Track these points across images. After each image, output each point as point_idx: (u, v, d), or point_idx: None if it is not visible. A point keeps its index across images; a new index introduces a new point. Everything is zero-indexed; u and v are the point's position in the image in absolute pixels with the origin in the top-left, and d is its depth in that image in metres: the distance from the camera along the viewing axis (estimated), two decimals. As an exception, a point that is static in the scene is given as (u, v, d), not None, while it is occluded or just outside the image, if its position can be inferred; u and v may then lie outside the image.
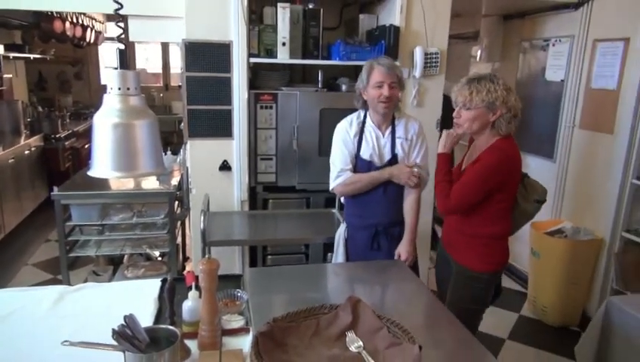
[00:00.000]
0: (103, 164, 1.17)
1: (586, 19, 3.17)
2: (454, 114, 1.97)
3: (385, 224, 2.23)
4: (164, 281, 1.70)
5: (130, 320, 1.16)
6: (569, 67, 3.32)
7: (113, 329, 1.14)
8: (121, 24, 1.27)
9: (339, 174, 2.18)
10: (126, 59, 1.22)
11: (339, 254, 2.31)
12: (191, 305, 1.40)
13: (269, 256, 3.18)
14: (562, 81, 3.38)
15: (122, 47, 1.20)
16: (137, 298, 1.67)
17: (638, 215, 2.98)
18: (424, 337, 1.40)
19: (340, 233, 2.31)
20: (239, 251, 3.08)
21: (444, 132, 2.08)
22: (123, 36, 1.28)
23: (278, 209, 3.13)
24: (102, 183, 2.95)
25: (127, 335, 1.14)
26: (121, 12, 1.22)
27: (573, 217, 3.34)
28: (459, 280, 2.06)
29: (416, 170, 2.13)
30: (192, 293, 1.41)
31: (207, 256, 1.34)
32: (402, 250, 2.20)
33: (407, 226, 2.23)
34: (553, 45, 3.47)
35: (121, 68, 1.18)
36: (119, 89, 1.17)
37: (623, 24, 2.90)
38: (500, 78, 1.92)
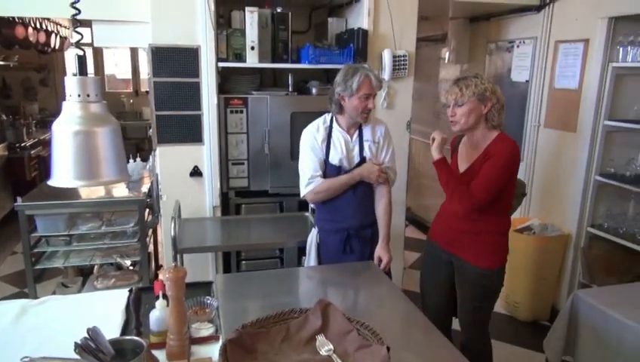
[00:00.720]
0: (63, 173, 1.15)
1: (547, 21, 3.26)
2: (449, 113, 2.03)
3: (356, 227, 2.23)
4: (131, 291, 1.67)
5: (93, 332, 1.14)
6: (533, 68, 3.41)
7: (76, 343, 1.11)
8: (80, 30, 1.24)
9: (309, 181, 2.16)
10: (85, 65, 1.19)
11: (311, 259, 2.30)
12: (158, 314, 1.38)
13: (243, 262, 3.16)
14: (527, 81, 3.47)
15: (81, 53, 1.17)
16: (104, 309, 1.63)
17: (601, 210, 3.07)
18: (396, 338, 1.42)
19: (312, 238, 2.31)
20: (212, 257, 3.05)
21: (435, 136, 2.05)
22: (83, 42, 1.25)
23: (251, 214, 3.11)
24: (69, 192, 2.87)
25: (90, 348, 1.11)
26: (85, 17, 1.20)
27: (541, 214, 3.43)
28: (469, 279, 2.10)
29: (383, 166, 2.14)
30: (160, 302, 1.39)
31: (173, 264, 1.32)
32: (382, 254, 2.21)
33: (383, 229, 2.25)
34: (517, 47, 3.56)
35: (80, 74, 1.16)
36: (79, 96, 1.14)
37: (582, 26, 3.00)
38: (482, 75, 2.04)
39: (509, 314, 3.41)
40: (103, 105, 1.16)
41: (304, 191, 2.20)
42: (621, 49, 2.80)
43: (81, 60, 1.15)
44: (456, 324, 2.29)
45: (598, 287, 2.80)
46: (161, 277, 3.43)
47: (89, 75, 1.17)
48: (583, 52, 2.98)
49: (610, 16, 2.80)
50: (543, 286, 3.23)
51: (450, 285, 2.22)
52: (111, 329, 1.47)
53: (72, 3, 1.15)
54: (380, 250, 2.22)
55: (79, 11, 1.15)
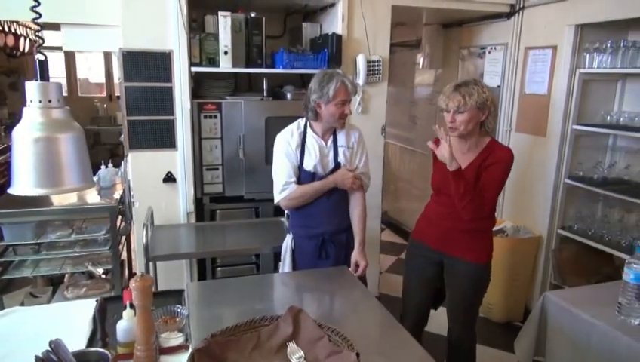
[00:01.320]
0: (24, 181, 1.12)
1: (517, 28, 3.33)
2: (448, 119, 2.05)
3: (331, 232, 2.23)
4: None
5: (55, 345, 1.10)
6: (504, 73, 3.48)
7: (36, 356, 1.07)
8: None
9: (283, 187, 2.15)
10: (46, 70, 1.16)
11: (286, 265, 2.29)
12: (125, 324, 1.35)
13: (219, 268, 3.12)
14: (499, 86, 3.54)
15: (42, 57, 1.14)
16: (71, 320, 1.59)
17: (571, 212, 3.15)
18: (368, 344, 1.42)
19: (287, 244, 2.30)
20: (187, 265, 3.00)
21: (443, 144, 1.97)
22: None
23: (226, 220, 3.08)
24: (38, 200, 2.78)
25: (52, 361, 1.08)
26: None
27: (513, 217, 3.49)
28: (461, 275, 2.16)
29: (357, 172, 2.15)
30: (127, 312, 1.36)
31: (140, 273, 1.29)
32: (359, 259, 2.22)
33: (359, 235, 2.26)
34: (489, 53, 3.63)
35: (41, 79, 1.13)
36: (40, 101, 1.11)
37: (550, 33, 3.07)
38: (480, 81, 2.08)
39: (484, 315, 3.45)
40: (65, 110, 1.14)
41: (278, 197, 2.18)
42: (587, 55, 2.88)
43: (42, 65, 1.12)
44: (435, 327, 2.32)
45: (567, 288, 2.86)
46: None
47: (51, 81, 1.14)
48: (552, 58, 3.06)
49: (577, 23, 2.88)
50: (516, 287, 3.29)
51: (435, 285, 2.28)
52: (77, 340, 1.43)
53: (33, 7, 1.12)
54: (356, 255, 2.23)
55: (40, 15, 1.12)
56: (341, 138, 2.21)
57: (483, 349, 3.05)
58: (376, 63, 3.06)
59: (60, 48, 2.91)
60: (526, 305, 3.34)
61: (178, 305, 1.59)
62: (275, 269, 2.85)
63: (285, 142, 2.18)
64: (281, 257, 2.33)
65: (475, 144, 2.09)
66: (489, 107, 2.02)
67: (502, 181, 2.06)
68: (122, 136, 2.89)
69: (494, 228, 3.32)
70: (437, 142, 2.07)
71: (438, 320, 2.48)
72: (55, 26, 2.75)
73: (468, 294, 2.20)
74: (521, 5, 3.27)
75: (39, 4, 1.11)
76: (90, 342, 1.46)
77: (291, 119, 2.29)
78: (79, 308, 1.74)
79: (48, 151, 1.09)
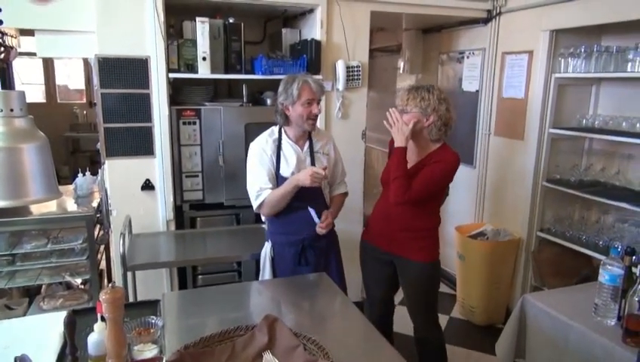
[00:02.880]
0: (-14, 193, 1.08)
1: (494, 33, 3.38)
2: (395, 116, 2.13)
3: (310, 238, 2.22)
4: (69, 314, 1.59)
5: (21, 361, 1.07)
6: (482, 78, 3.52)
7: (0, 374, 1.04)
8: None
9: (258, 194, 2.14)
10: (9, 78, 1.14)
11: (266, 273, 2.27)
12: (97, 337, 1.31)
13: (200, 276, 3.09)
14: (477, 91, 3.57)
15: (4, 66, 1.12)
16: (40, 334, 1.55)
17: (549, 215, 3.19)
18: (344, 351, 1.41)
19: (266, 252, 2.27)
20: (167, 274, 2.96)
21: (405, 121, 2.08)
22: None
23: (206, 227, 3.05)
24: (12, 209, 2.72)
25: (16, 378, 1.04)
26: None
27: (493, 220, 3.52)
28: (412, 275, 2.23)
29: (318, 168, 2.08)
30: (98, 325, 1.32)
31: (110, 284, 1.26)
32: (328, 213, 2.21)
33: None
34: (467, 57, 3.67)
35: (3, 88, 1.10)
36: (1, 111, 1.08)
37: (526, 38, 3.12)
38: (437, 89, 2.10)
39: (466, 318, 3.47)
40: (28, 120, 1.11)
41: (255, 204, 2.17)
42: (562, 60, 2.92)
43: (4, 73, 1.10)
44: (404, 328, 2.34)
45: (545, 290, 2.89)
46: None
47: (13, 89, 1.12)
48: (528, 63, 3.10)
49: (552, 29, 2.92)
50: (497, 290, 3.31)
51: (391, 280, 2.36)
52: (46, 355, 1.39)
53: (-6, 13, 1.09)
54: (326, 212, 2.22)
55: (1, 22, 1.09)
56: (317, 144, 2.23)
57: (466, 352, 3.07)
58: (355, 68, 3.07)
59: (35, 54, 2.87)
60: (507, 308, 3.37)
61: (152, 316, 1.55)
62: (257, 276, 2.83)
63: (260, 149, 2.16)
64: (261, 265, 2.31)
65: (424, 147, 2.15)
66: (432, 115, 2.06)
67: (437, 178, 2.09)
68: (99, 143, 2.85)
69: (475, 231, 3.38)
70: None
71: (410, 322, 2.49)
72: (31, 32, 2.70)
73: (421, 293, 2.28)
74: (498, 11, 3.32)
75: (0, 10, 1.08)
76: (61, 356, 1.42)
77: (271, 125, 2.28)
78: (54, 320, 1.70)
79: (10, 161, 1.06)
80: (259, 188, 2.13)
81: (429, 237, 2.22)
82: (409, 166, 2.13)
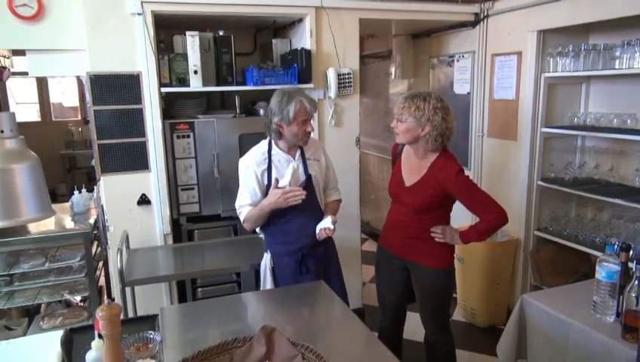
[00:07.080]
0: (-21, 214, 1.09)
1: (483, 35, 3.40)
2: (392, 124, 2.14)
3: (309, 245, 2.23)
4: (68, 332, 1.59)
5: (18, 381, 1.07)
6: (473, 80, 3.54)
7: (-3, 395, 1.03)
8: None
9: (239, 211, 2.22)
10: (3, 98, 1.15)
11: (267, 284, 2.27)
12: (94, 355, 1.31)
13: (199, 289, 3.08)
14: (468, 93, 3.60)
15: (-6, 87, 1.13)
16: (39, 354, 1.54)
17: (546, 214, 3.19)
18: (343, 360, 1.41)
19: (266, 263, 2.28)
20: (166, 288, 2.95)
21: (443, 234, 2.19)
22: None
23: (204, 239, 3.05)
24: (9, 229, 2.72)
25: (13, 399, 1.04)
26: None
27: (491, 220, 3.52)
28: (426, 280, 2.23)
29: (286, 189, 2.09)
30: (96, 343, 1.32)
31: (107, 301, 1.26)
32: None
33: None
34: (457, 61, 3.69)
35: (-5, 109, 1.11)
36: (-8, 132, 1.09)
37: (514, 39, 3.14)
38: (435, 98, 2.06)
39: (467, 321, 3.46)
40: (19, 140, 1.12)
41: (241, 218, 2.23)
42: (551, 60, 2.95)
43: (-6, 95, 1.11)
44: (413, 334, 2.33)
45: (545, 289, 2.89)
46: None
47: (8, 110, 1.12)
48: (517, 64, 3.12)
49: (539, 29, 2.95)
50: (497, 291, 3.31)
51: (404, 286, 2.35)
52: (45, 374, 1.39)
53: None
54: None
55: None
56: (308, 151, 2.25)
57: (468, 354, 3.06)
58: (346, 76, 3.09)
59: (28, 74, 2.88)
60: (508, 308, 3.36)
61: (151, 331, 1.56)
62: (257, 286, 2.82)
63: (244, 166, 2.21)
64: (261, 277, 2.31)
65: (423, 156, 2.15)
66: (427, 125, 2.03)
67: (473, 188, 2.17)
68: (93, 160, 2.85)
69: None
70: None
71: (420, 328, 2.48)
72: (23, 52, 2.72)
73: (434, 298, 2.27)
74: (485, 14, 3.35)
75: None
76: (60, 375, 1.42)
77: (265, 135, 2.29)
78: (53, 339, 1.70)
79: (2, 182, 1.07)
80: (239, 206, 2.21)
81: (441, 243, 2.21)
82: (415, 181, 2.15)
